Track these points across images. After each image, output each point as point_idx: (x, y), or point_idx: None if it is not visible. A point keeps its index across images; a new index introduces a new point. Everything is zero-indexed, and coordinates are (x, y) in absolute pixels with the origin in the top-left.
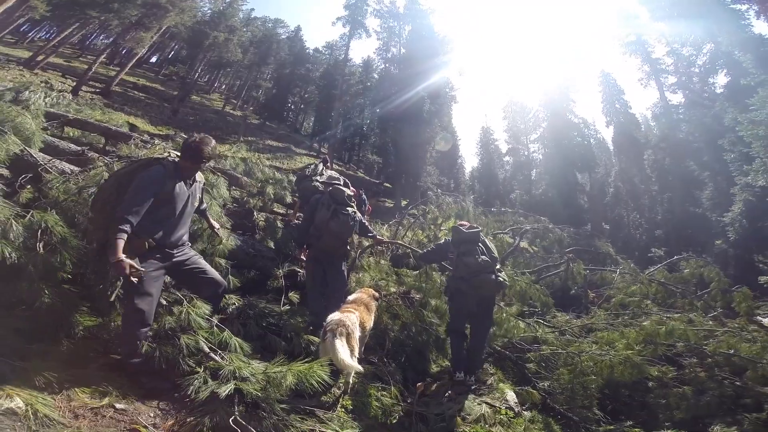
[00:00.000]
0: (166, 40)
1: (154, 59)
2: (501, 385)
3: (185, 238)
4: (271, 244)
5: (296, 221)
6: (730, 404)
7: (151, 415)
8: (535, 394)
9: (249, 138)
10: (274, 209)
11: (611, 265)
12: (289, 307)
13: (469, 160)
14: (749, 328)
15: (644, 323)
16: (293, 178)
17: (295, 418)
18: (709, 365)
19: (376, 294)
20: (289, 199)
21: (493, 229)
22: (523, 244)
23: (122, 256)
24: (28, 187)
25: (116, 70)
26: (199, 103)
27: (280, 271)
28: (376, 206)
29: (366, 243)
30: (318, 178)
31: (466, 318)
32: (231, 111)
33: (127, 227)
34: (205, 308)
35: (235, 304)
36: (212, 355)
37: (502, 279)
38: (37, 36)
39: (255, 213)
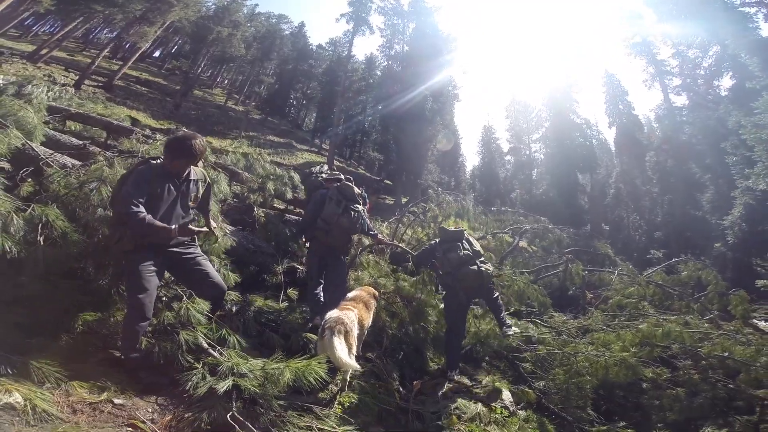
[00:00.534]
0: (169, 34)
1: (157, 54)
2: (497, 384)
3: (180, 237)
4: (271, 241)
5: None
6: (723, 406)
7: (149, 410)
8: (531, 394)
9: (251, 133)
10: (275, 205)
11: (610, 266)
12: (287, 304)
13: (471, 158)
14: (744, 331)
15: (641, 326)
16: (294, 175)
17: (292, 415)
18: (704, 367)
19: (376, 293)
20: (289, 195)
21: (492, 229)
22: (523, 243)
23: (169, 226)
24: (29, 180)
25: (119, 64)
26: (201, 98)
27: (280, 267)
28: (377, 203)
29: (366, 241)
30: (323, 175)
31: (460, 314)
32: (233, 106)
33: (139, 209)
34: (204, 304)
35: (234, 300)
36: (211, 350)
37: (484, 269)
38: (41, 30)
39: (255, 209)
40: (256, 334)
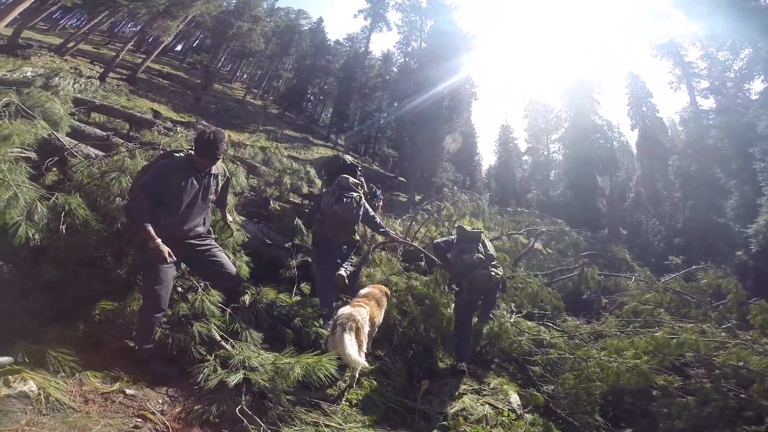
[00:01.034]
0: (191, 29)
1: (179, 47)
2: (505, 386)
3: (199, 229)
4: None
5: None
6: (732, 416)
7: (160, 401)
8: (539, 397)
9: (268, 127)
10: (291, 199)
11: (626, 271)
12: (299, 298)
13: (487, 157)
14: (762, 341)
15: (656, 334)
16: (310, 170)
17: (300, 410)
18: (717, 376)
19: (388, 290)
20: (305, 190)
21: (508, 229)
22: (538, 245)
23: (159, 240)
24: (54, 170)
25: (142, 57)
26: (221, 92)
27: (294, 261)
28: (390, 200)
29: (380, 239)
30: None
31: (468, 313)
32: (252, 100)
33: (143, 206)
34: (218, 296)
35: (247, 293)
36: (223, 343)
37: (494, 274)
38: (68, 23)
39: (272, 202)
40: (267, 327)
